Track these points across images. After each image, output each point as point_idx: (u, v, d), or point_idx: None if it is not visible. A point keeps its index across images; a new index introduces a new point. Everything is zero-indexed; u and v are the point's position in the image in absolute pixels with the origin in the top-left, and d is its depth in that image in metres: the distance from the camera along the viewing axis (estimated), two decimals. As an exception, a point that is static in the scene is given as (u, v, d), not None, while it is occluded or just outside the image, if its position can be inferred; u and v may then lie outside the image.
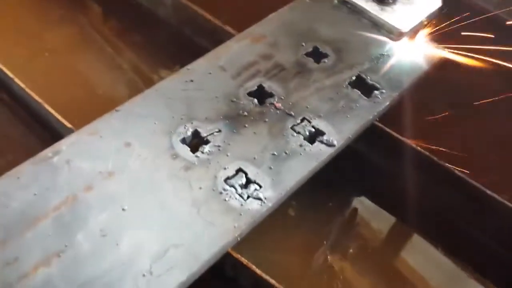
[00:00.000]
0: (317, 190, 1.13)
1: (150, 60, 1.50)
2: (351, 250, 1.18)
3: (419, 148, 1.14)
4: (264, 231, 0.97)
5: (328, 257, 1.14)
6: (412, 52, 1.16)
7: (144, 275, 0.81)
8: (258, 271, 0.90)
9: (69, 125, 1.05)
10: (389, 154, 1.21)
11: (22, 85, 1.11)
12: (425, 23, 1.00)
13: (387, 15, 0.95)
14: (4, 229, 0.83)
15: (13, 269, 0.80)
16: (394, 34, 0.95)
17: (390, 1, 0.97)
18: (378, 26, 0.96)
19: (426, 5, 0.97)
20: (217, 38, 1.29)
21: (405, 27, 0.95)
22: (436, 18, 1.06)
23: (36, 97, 1.08)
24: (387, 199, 1.26)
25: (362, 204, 1.28)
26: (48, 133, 1.13)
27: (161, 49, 1.51)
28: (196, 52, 1.16)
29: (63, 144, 0.95)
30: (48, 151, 0.94)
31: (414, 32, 1.07)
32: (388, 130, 1.16)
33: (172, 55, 1.49)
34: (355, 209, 1.27)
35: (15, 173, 0.90)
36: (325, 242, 1.18)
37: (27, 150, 1.19)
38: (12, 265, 0.81)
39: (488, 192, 1.07)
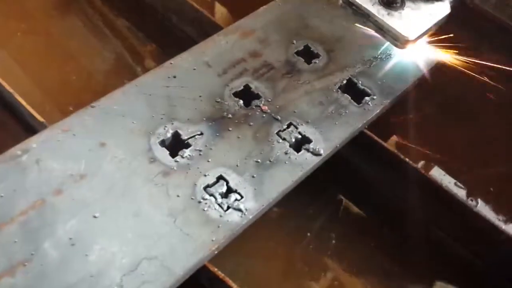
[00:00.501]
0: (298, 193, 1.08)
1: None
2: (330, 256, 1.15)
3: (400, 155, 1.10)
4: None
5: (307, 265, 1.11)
6: (408, 58, 1.11)
7: (114, 289, 0.77)
8: (235, 286, 0.86)
9: (41, 119, 0.99)
10: (369, 157, 1.17)
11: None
12: (432, 30, 0.95)
13: (394, 21, 0.89)
14: (-35, 235, 0.78)
15: (-26, 278, 0.75)
16: (400, 41, 0.90)
17: (398, 5, 0.91)
18: (383, 31, 0.91)
19: (435, 12, 0.92)
20: (204, 30, 1.23)
21: (412, 35, 0.90)
22: (443, 24, 1.00)
23: (8, 87, 1.01)
24: (365, 202, 1.22)
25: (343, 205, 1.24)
26: (21, 126, 1.06)
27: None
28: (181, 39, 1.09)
29: (33, 142, 0.89)
30: (17, 149, 0.88)
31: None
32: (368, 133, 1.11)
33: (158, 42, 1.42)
34: (336, 211, 1.23)
35: (-20, 172, 0.84)
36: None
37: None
38: (-27, 272, 0.76)
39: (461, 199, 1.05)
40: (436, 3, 0.94)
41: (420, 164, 1.29)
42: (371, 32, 1.08)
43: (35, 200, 0.83)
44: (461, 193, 1.26)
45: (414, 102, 1.29)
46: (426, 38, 1.07)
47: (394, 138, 1.36)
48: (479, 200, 1.25)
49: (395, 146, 1.30)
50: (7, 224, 0.80)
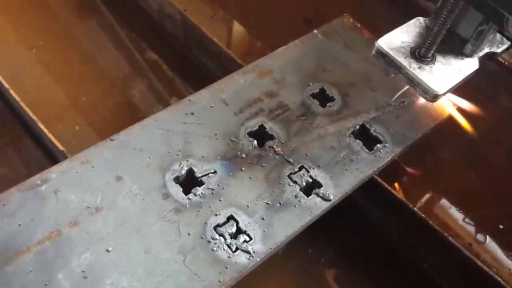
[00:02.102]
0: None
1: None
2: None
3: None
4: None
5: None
6: (423, 107, 1.13)
7: (121, 324, 0.79)
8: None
9: (61, 148, 1.02)
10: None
11: (17, 98, 1.07)
12: (460, 84, 0.98)
13: (425, 75, 0.92)
14: (-16, 262, 0.81)
15: (-12, 305, 0.78)
16: (430, 95, 0.92)
17: (429, 60, 0.94)
18: (413, 84, 0.94)
19: (465, 67, 0.94)
20: (222, 64, 1.27)
21: (441, 89, 0.92)
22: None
23: (31, 114, 1.05)
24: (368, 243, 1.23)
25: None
26: (41, 150, 1.10)
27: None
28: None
29: (53, 172, 0.93)
30: (36, 178, 0.91)
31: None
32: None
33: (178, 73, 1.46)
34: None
35: (1, 199, 0.88)
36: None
37: (19, 165, 1.17)
38: (-12, 299, 0.79)
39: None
40: (466, 59, 0.96)
41: (427, 202, 1.30)
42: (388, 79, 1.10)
43: (51, 230, 0.86)
44: (469, 229, 1.26)
45: (426, 144, 1.31)
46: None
47: (403, 177, 1.38)
48: (487, 236, 1.25)
49: (401, 187, 1.32)
50: (23, 253, 0.83)
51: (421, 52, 0.94)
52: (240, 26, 1.64)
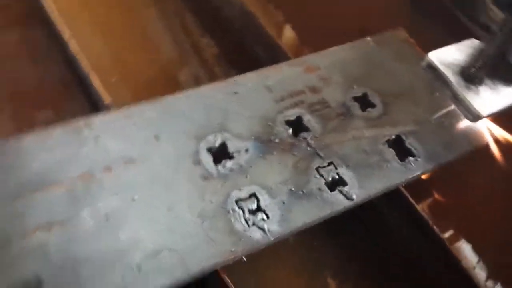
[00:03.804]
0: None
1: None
2: None
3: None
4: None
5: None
6: (465, 130, 1.13)
7: (132, 269, 0.83)
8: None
9: (108, 101, 1.08)
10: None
11: (77, 49, 1.14)
12: (503, 111, 0.98)
13: (471, 95, 0.93)
14: (20, 185, 0.86)
15: (16, 224, 0.84)
16: (472, 115, 0.94)
17: (477, 80, 0.95)
18: (458, 101, 0.95)
19: (510, 95, 0.95)
20: (271, 54, 1.30)
21: (484, 112, 0.93)
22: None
23: (86, 66, 1.11)
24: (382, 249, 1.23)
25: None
26: (88, 102, 1.16)
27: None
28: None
29: (97, 119, 0.98)
30: (81, 122, 0.97)
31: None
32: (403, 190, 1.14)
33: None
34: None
35: (44, 134, 0.93)
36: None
37: (64, 111, 1.24)
38: (16, 219, 0.84)
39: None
40: None
41: (448, 233, 1.30)
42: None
43: (85, 171, 0.91)
44: (481, 275, 1.25)
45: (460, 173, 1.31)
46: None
47: (428, 198, 1.38)
48: (499, 284, 1.24)
49: (428, 206, 1.32)
50: (56, 186, 0.88)
51: (471, 73, 0.95)
52: (290, 29, 1.67)
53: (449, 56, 0.97)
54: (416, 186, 1.18)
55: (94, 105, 1.22)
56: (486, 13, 1.36)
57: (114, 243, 0.85)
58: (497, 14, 1.21)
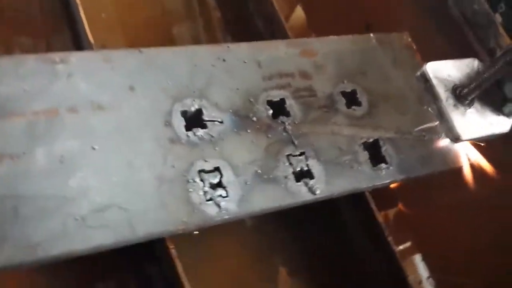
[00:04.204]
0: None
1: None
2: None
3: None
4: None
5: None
6: (443, 149, 1.11)
7: (76, 219, 0.81)
8: (180, 270, 0.89)
9: (91, 40, 1.02)
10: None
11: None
12: (485, 139, 0.97)
13: (457, 115, 0.91)
14: (-23, 107, 0.82)
15: (-35, 147, 0.80)
16: (452, 135, 0.92)
17: (467, 102, 0.92)
18: (441, 118, 0.92)
19: (496, 124, 0.93)
20: (271, 30, 1.26)
21: (466, 135, 0.91)
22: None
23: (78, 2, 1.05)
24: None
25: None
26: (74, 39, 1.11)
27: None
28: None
29: (74, 56, 0.93)
30: (57, 56, 0.92)
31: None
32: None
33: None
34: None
35: (17, 60, 0.88)
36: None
37: (45, 43, 1.18)
38: (-33, 142, 0.80)
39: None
40: (501, 118, 0.95)
41: (405, 246, 1.31)
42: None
43: (50, 107, 0.87)
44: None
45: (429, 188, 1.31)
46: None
47: (394, 207, 1.38)
48: None
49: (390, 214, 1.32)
50: (17, 117, 0.84)
51: (462, 93, 0.93)
52: (301, 9, 1.63)
53: (445, 71, 0.95)
54: (382, 193, 1.17)
55: (78, 43, 1.16)
56: (496, 38, 1.34)
57: (62, 188, 0.81)
58: (506, 41, 1.18)
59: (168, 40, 1.39)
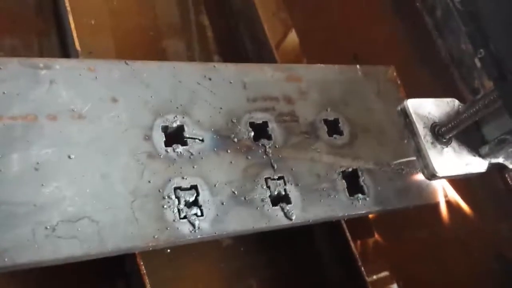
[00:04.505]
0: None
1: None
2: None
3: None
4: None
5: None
6: (421, 184, 1.12)
7: (46, 228, 0.79)
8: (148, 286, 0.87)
9: (78, 47, 1.02)
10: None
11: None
12: (460, 178, 0.98)
13: (434, 152, 0.91)
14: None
15: None
16: (428, 172, 0.92)
17: (445, 141, 0.93)
18: (419, 154, 0.93)
19: (472, 164, 0.94)
20: (259, 53, 1.27)
21: (441, 172, 0.91)
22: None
23: (67, 5, 1.05)
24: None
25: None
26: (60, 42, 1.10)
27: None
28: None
29: (58, 63, 0.92)
30: (40, 61, 0.91)
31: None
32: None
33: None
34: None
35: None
36: None
37: (32, 46, 1.17)
38: None
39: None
40: (477, 158, 0.96)
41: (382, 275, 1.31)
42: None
43: (29, 113, 0.86)
44: None
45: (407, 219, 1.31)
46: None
47: (368, 237, 1.38)
48: None
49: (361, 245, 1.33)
50: (-7, 119, 0.83)
51: (441, 131, 0.94)
52: (295, 35, 1.64)
53: (426, 108, 0.96)
54: (359, 222, 1.18)
55: (65, 48, 1.16)
56: (480, 79, 1.37)
57: (34, 195, 0.80)
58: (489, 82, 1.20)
59: (157, 52, 1.39)
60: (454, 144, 0.95)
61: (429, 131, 0.94)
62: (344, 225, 1.12)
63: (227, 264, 1.17)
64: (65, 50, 1.13)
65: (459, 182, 1.16)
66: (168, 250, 0.95)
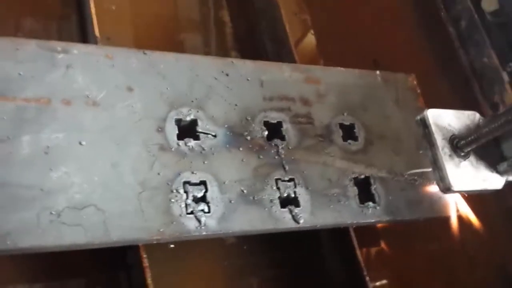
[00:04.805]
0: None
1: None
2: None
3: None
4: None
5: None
6: (434, 196, 1.10)
7: (51, 213, 0.78)
8: (149, 281, 0.86)
9: (97, 33, 1.01)
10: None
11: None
12: (476, 193, 0.96)
13: (450, 165, 0.89)
14: (-32, 85, 0.80)
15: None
16: (444, 185, 0.90)
17: (463, 154, 0.91)
18: (435, 165, 0.91)
19: (489, 180, 0.91)
20: (278, 52, 1.25)
21: (457, 186, 0.89)
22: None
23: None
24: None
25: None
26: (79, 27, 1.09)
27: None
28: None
29: (76, 48, 0.92)
30: (59, 45, 0.90)
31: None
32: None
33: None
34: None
35: (17, 43, 0.87)
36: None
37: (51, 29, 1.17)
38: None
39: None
40: (495, 175, 0.93)
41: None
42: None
43: (43, 96, 0.85)
44: None
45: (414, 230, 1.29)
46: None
47: (375, 246, 1.36)
48: None
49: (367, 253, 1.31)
50: (7, 100, 0.82)
51: (460, 144, 0.92)
52: (313, 37, 1.62)
53: (445, 120, 0.94)
54: (367, 230, 1.16)
55: (84, 32, 1.15)
56: (501, 94, 1.34)
57: (42, 179, 0.79)
58: (511, 98, 1.18)
59: (175, 44, 1.37)
60: (472, 158, 0.92)
61: (447, 143, 0.91)
62: (352, 231, 1.10)
63: (230, 262, 1.15)
64: (84, 36, 1.12)
65: (472, 196, 1.14)
66: (172, 246, 0.93)
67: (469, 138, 0.91)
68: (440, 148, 0.90)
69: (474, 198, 1.14)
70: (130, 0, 1.34)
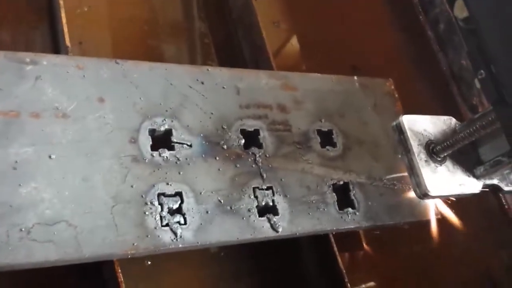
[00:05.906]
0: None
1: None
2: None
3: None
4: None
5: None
6: (413, 201, 1.10)
7: (21, 230, 0.76)
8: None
9: (68, 43, 0.99)
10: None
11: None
12: (453, 198, 0.95)
13: (427, 170, 0.89)
14: None
15: None
16: (420, 190, 0.89)
17: (439, 159, 0.90)
18: (411, 171, 0.90)
19: (466, 185, 0.91)
20: (255, 59, 1.24)
21: (434, 191, 0.88)
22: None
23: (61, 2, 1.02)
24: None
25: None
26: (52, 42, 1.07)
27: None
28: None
29: (45, 59, 0.89)
30: (27, 56, 0.88)
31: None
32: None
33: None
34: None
35: (-16, 55, 0.84)
36: None
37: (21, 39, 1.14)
38: None
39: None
40: (472, 179, 0.93)
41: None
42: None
43: (12, 109, 0.83)
44: None
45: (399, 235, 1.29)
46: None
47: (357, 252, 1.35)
48: None
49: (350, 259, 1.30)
50: (-27, 114, 0.80)
51: (436, 149, 0.91)
52: (292, 44, 1.61)
53: (421, 125, 0.93)
54: (347, 233, 1.14)
55: (56, 40, 1.13)
56: (479, 96, 1.35)
57: (11, 195, 0.77)
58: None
59: (149, 50, 1.35)
60: (448, 163, 0.92)
61: (423, 148, 0.91)
62: (332, 237, 1.09)
63: (209, 270, 1.13)
64: (56, 45, 1.10)
65: (453, 200, 1.14)
66: (149, 262, 0.91)
67: (445, 143, 0.90)
68: (416, 154, 0.90)
69: (455, 201, 1.14)
70: (105, 2, 1.31)
